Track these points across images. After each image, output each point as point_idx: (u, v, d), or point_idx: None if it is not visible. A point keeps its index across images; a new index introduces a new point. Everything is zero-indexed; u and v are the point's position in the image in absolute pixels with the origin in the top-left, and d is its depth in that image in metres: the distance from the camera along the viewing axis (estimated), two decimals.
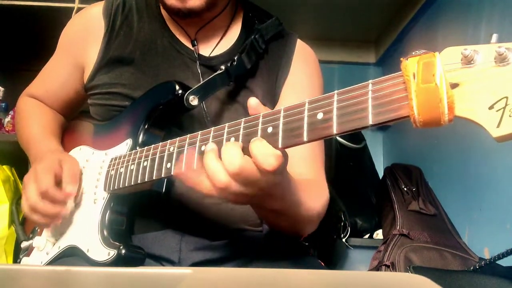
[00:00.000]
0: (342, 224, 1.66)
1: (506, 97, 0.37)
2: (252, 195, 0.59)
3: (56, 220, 0.78)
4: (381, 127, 2.40)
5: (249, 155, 0.56)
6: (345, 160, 1.92)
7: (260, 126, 0.55)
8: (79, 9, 1.54)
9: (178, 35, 0.91)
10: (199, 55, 0.90)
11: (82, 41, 0.93)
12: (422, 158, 1.84)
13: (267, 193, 0.61)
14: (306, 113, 0.51)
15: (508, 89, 0.37)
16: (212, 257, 0.81)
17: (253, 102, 0.58)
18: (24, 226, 1.00)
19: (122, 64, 0.89)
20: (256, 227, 0.88)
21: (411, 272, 1.15)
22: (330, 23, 2.26)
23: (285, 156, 0.56)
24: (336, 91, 0.49)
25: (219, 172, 0.56)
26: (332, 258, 1.65)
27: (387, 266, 1.35)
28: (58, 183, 0.79)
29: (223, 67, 0.84)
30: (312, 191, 0.80)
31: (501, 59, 0.38)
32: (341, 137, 1.92)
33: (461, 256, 1.36)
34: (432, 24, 1.84)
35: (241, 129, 0.57)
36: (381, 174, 1.92)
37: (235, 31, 0.94)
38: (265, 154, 0.54)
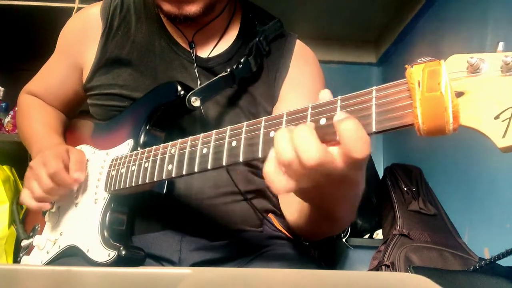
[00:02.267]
0: None
1: None
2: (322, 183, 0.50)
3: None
4: None
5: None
6: None
7: (262, 130, 0.54)
8: (79, 9, 1.54)
9: (176, 37, 0.91)
10: (197, 56, 0.90)
11: (80, 42, 0.93)
12: (422, 158, 1.84)
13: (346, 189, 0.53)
14: (309, 118, 0.50)
15: None
16: (212, 257, 0.81)
17: (325, 94, 0.52)
18: (25, 224, 1.00)
19: (120, 65, 0.89)
20: (256, 227, 0.88)
21: (411, 272, 1.15)
22: (330, 23, 2.26)
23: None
24: (339, 97, 0.48)
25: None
26: (332, 258, 1.66)
27: (387, 266, 1.35)
28: (67, 170, 0.79)
29: (228, 69, 0.83)
30: None
31: (507, 68, 0.37)
32: None
33: (461, 256, 1.36)
34: (433, 24, 1.84)
35: (243, 133, 0.57)
36: (381, 174, 1.92)
37: (233, 32, 0.94)
38: (356, 138, 0.44)
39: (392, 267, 1.34)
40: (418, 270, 1.17)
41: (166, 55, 0.90)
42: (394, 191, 1.67)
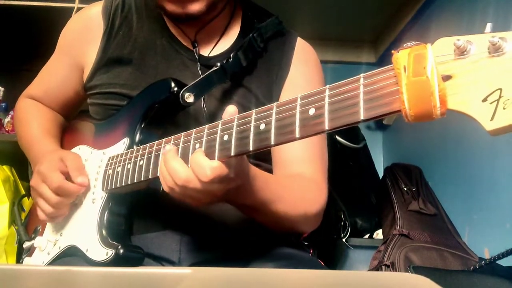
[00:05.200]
0: (342, 224, 1.65)
1: (500, 89, 0.35)
2: (209, 199, 0.64)
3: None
4: (381, 126, 2.40)
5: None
6: (345, 160, 1.92)
7: (252, 123, 0.55)
8: (79, 9, 1.54)
9: (177, 35, 0.91)
10: (199, 55, 0.90)
11: (81, 41, 0.93)
12: (422, 158, 1.84)
13: (229, 193, 0.65)
14: (298, 109, 0.50)
15: (501, 81, 0.36)
16: (212, 257, 0.81)
17: (231, 109, 0.61)
18: (27, 226, 1.00)
19: (121, 64, 0.89)
20: (256, 227, 0.88)
21: (411, 272, 1.15)
22: (329, 23, 2.26)
23: (232, 165, 0.60)
24: (327, 86, 0.48)
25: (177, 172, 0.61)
26: (332, 258, 1.65)
27: (387, 266, 1.35)
28: (66, 179, 0.79)
29: (218, 64, 0.84)
30: (299, 189, 0.81)
31: (494, 49, 0.36)
32: (341, 136, 1.92)
33: (461, 256, 1.36)
34: (432, 24, 1.83)
35: (235, 126, 0.57)
36: (381, 174, 1.92)
37: (234, 31, 0.94)
38: (200, 166, 0.58)
39: (392, 267, 1.34)
40: (418, 270, 1.17)
41: (168, 54, 0.90)
42: (394, 191, 1.67)
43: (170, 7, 0.82)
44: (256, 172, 0.70)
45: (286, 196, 0.76)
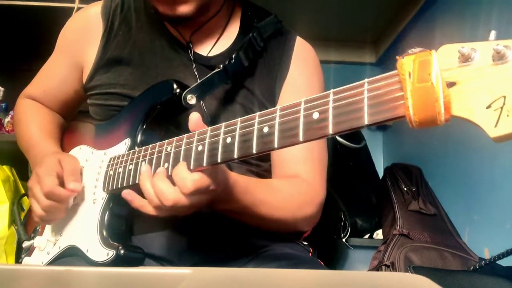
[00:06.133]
0: (342, 224, 1.66)
1: (504, 96, 0.36)
2: (192, 210, 0.65)
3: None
4: (381, 126, 2.40)
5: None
6: (345, 160, 1.92)
7: (256, 126, 0.55)
8: (79, 9, 1.53)
9: (177, 35, 0.92)
10: (198, 55, 0.90)
11: (80, 41, 0.93)
12: (422, 158, 1.84)
13: (211, 200, 0.67)
14: (302, 113, 0.50)
15: (505, 88, 0.36)
16: (212, 257, 0.81)
17: (194, 117, 0.63)
18: (26, 226, 1.00)
19: (121, 64, 0.89)
20: (255, 227, 0.88)
21: (411, 272, 1.15)
22: (330, 23, 2.26)
23: (212, 175, 0.62)
24: (332, 90, 0.48)
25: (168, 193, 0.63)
26: (332, 258, 1.65)
27: (387, 266, 1.35)
28: (62, 183, 0.79)
29: (221, 65, 0.84)
30: (288, 192, 0.82)
31: (499, 57, 0.37)
32: (341, 137, 1.92)
33: (461, 256, 1.36)
34: (432, 24, 1.83)
35: (238, 129, 0.57)
36: (381, 174, 1.92)
37: (233, 30, 0.94)
38: (183, 178, 0.61)
39: (392, 267, 1.34)
40: (418, 270, 1.17)
41: (167, 54, 0.90)
42: (394, 191, 1.67)
43: (161, 8, 0.83)
44: (236, 178, 0.71)
45: (269, 200, 0.77)
